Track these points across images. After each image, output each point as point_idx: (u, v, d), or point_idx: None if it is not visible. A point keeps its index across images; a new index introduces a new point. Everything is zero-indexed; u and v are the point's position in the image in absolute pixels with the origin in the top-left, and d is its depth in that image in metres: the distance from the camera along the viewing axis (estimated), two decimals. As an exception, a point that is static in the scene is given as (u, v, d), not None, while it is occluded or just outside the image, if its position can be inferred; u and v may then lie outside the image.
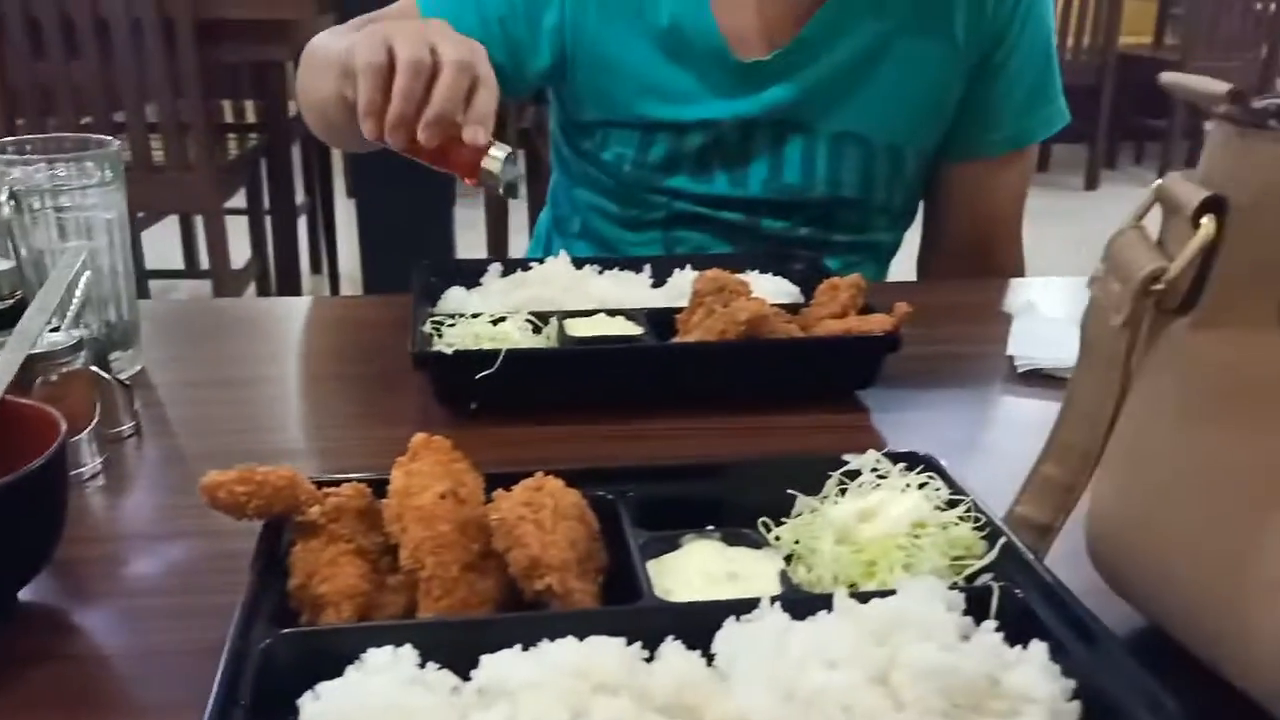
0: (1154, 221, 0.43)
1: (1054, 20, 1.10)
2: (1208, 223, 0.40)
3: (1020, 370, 0.82)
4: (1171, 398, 0.43)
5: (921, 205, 1.20)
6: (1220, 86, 0.39)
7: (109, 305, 0.77)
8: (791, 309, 0.81)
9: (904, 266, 1.24)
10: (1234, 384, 0.41)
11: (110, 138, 0.77)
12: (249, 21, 2.11)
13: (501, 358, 0.71)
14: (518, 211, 2.44)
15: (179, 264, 3.08)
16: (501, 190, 0.79)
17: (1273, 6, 4.21)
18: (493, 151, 0.77)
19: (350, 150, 1.07)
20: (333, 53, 0.91)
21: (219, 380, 0.82)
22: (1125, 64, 4.44)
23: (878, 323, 0.76)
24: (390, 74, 0.76)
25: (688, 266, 0.89)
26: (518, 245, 2.23)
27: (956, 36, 1.05)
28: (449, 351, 0.71)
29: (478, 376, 0.71)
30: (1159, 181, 0.42)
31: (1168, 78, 0.40)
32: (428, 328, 0.76)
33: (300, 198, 2.88)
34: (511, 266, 0.89)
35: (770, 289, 0.87)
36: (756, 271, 0.90)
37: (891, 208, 1.14)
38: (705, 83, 1.06)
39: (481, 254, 2.57)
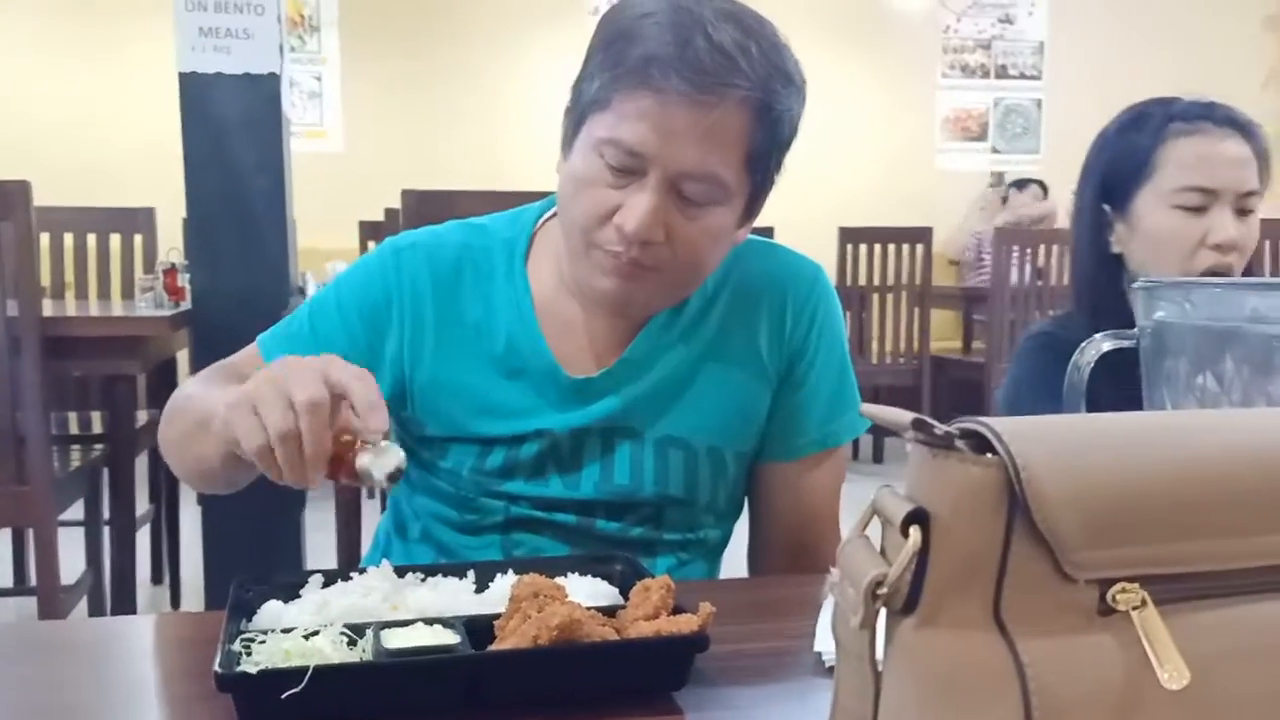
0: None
1: (846, 339, 1.22)
2: (914, 533, 0.45)
3: (827, 666, 0.85)
4: (911, 694, 0.47)
5: (747, 507, 1.26)
6: (906, 416, 0.45)
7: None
8: (609, 611, 0.83)
9: (739, 562, 1.29)
10: (952, 680, 0.45)
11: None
12: (100, 338, 2.14)
13: (309, 675, 0.70)
14: (371, 512, 2.44)
15: (7, 580, 2.91)
16: (387, 483, 0.83)
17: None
18: (360, 457, 0.81)
19: (222, 493, 1.12)
20: (205, 417, 0.97)
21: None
22: (939, 366, 4.98)
23: (685, 623, 0.79)
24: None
25: (510, 571, 0.91)
26: (369, 547, 2.22)
27: (761, 356, 1.17)
28: (254, 671, 0.71)
29: (284, 695, 0.70)
30: (874, 496, 0.48)
31: (866, 409, 0.46)
32: (238, 646, 0.75)
33: (145, 507, 2.81)
34: (332, 578, 0.89)
35: (588, 591, 0.89)
36: (575, 574, 0.93)
37: (716, 507, 1.20)
38: (541, 398, 1.14)
39: (332, 558, 2.53)
